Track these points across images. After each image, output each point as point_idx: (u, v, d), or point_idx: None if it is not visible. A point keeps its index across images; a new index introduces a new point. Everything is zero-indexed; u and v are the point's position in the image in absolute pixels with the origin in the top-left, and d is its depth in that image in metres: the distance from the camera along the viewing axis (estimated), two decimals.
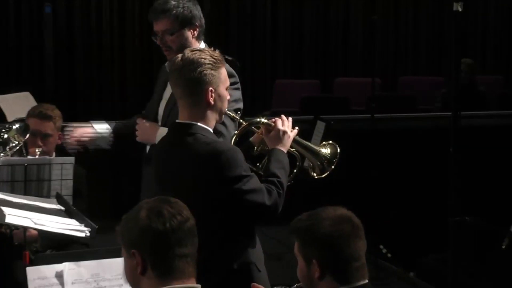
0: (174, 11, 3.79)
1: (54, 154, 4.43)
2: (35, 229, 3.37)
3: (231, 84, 3.56)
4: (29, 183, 3.93)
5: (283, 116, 3.35)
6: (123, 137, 4.13)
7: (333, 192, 5.39)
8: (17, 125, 3.98)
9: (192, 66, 3.13)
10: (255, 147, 3.43)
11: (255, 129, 3.43)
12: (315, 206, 2.69)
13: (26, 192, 3.86)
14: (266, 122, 3.35)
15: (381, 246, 6.38)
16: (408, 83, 10.59)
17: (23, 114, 4.81)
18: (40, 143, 4.36)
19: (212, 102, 3.16)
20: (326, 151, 3.47)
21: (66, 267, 3.07)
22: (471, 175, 5.94)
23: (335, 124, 5.79)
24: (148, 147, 3.97)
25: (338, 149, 3.46)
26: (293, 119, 3.37)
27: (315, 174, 3.48)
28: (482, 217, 5.39)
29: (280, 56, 10.89)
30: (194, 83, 3.13)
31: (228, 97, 3.26)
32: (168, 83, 3.56)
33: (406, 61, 11.35)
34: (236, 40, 10.61)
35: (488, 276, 5.76)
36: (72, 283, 3.05)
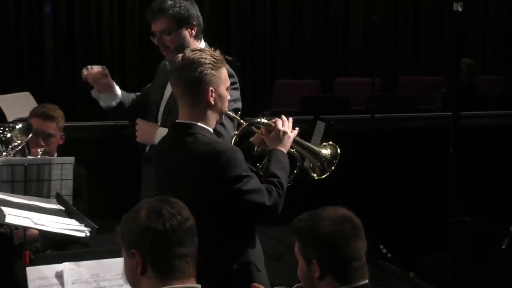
0: (171, 11, 3.79)
1: (56, 154, 4.44)
2: (35, 229, 3.37)
3: (231, 84, 3.56)
4: (29, 183, 3.93)
5: (283, 116, 3.35)
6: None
7: (333, 192, 5.39)
8: (20, 125, 3.99)
9: (192, 66, 3.13)
10: (255, 148, 3.42)
11: (255, 129, 3.43)
12: (315, 206, 2.69)
13: (26, 192, 3.86)
14: (266, 123, 3.34)
15: (381, 246, 6.38)
16: (408, 83, 10.59)
17: (23, 114, 4.81)
18: (42, 143, 4.36)
19: (213, 102, 3.16)
20: (326, 152, 3.47)
21: (66, 267, 3.07)
22: (471, 175, 5.94)
23: (335, 124, 5.80)
24: (148, 147, 3.97)
25: (339, 150, 3.46)
26: (293, 119, 3.37)
27: (315, 175, 3.48)
28: (482, 217, 5.40)
29: (280, 56, 10.89)
30: (195, 83, 3.13)
31: (228, 97, 3.26)
32: (168, 83, 3.56)
33: (406, 61, 11.35)
34: (236, 40, 10.61)
35: (488, 276, 5.76)
36: (72, 283, 3.05)
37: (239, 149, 3.19)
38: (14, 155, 4.02)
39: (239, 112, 3.61)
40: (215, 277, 3.05)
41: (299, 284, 2.71)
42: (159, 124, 3.88)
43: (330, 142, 3.51)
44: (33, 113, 4.50)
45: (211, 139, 3.15)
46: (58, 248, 4.15)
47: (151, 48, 9.92)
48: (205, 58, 3.14)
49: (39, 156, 4.17)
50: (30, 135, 3.99)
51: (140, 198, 3.68)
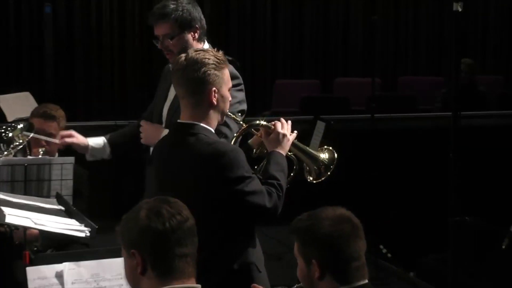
0: (173, 15, 3.76)
1: (57, 154, 4.44)
2: (35, 229, 3.37)
3: (235, 85, 3.56)
4: (29, 183, 3.93)
5: (282, 119, 3.35)
6: (118, 146, 4.13)
7: (333, 192, 5.39)
8: (21, 125, 3.99)
9: (196, 66, 3.13)
10: (254, 150, 3.42)
11: (254, 131, 3.43)
12: (315, 206, 2.69)
13: (26, 192, 3.86)
14: (265, 125, 3.34)
15: (381, 246, 6.38)
16: (408, 83, 10.59)
17: (23, 114, 4.81)
18: (43, 143, 4.37)
19: (215, 103, 3.16)
20: (324, 156, 3.47)
21: (66, 267, 3.07)
22: (471, 175, 5.93)
23: (335, 124, 5.80)
24: (151, 149, 3.96)
25: (336, 155, 3.46)
26: (293, 120, 3.37)
27: (311, 178, 3.48)
28: (482, 217, 5.40)
29: (280, 56, 10.89)
30: (198, 83, 3.13)
31: (230, 98, 3.26)
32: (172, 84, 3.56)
33: (406, 61, 11.35)
34: (236, 40, 10.61)
35: (488, 276, 5.76)
36: (72, 283, 3.05)
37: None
38: (15, 155, 4.02)
39: (244, 114, 3.61)
40: (215, 277, 3.05)
41: (299, 285, 2.71)
42: (163, 125, 3.87)
43: (328, 147, 3.51)
44: (35, 113, 4.51)
45: (213, 139, 3.16)
46: (58, 248, 4.15)
47: (151, 48, 9.91)
48: (209, 59, 3.14)
49: (40, 156, 4.17)
50: (31, 135, 3.99)
51: (143, 199, 3.67)
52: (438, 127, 7.03)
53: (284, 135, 3.31)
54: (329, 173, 3.45)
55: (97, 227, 3.22)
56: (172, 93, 3.81)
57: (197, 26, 3.82)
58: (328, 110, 7.67)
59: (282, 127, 3.32)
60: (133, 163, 4.44)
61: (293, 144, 3.37)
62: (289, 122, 3.36)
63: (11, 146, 3.89)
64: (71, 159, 4.04)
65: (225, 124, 3.42)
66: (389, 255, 6.39)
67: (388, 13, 11.17)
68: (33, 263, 3.11)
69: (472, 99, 8.61)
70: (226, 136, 3.44)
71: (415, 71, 11.21)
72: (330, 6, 11.03)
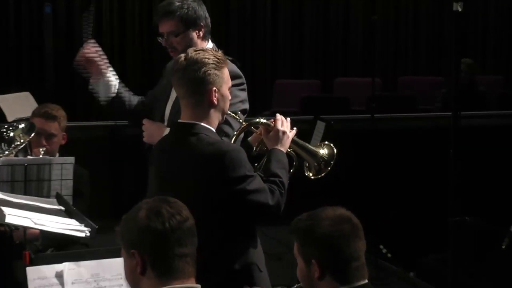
0: (179, 13, 3.76)
1: (57, 154, 4.44)
2: (35, 229, 3.37)
3: (238, 85, 3.56)
4: (29, 183, 3.93)
5: (281, 116, 3.35)
6: (121, 105, 4.03)
7: (333, 192, 5.40)
8: (23, 124, 3.99)
9: (196, 66, 3.13)
10: (254, 148, 3.43)
11: (254, 129, 3.43)
12: (315, 206, 2.69)
13: (26, 192, 3.86)
14: (265, 123, 3.35)
15: (381, 246, 6.38)
16: (408, 83, 10.59)
17: (23, 114, 4.82)
18: (44, 143, 4.37)
19: (215, 102, 3.16)
20: (324, 152, 3.47)
21: (66, 267, 3.07)
22: (471, 175, 5.93)
23: (335, 124, 5.81)
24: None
25: (335, 150, 3.46)
26: (293, 119, 3.37)
27: (311, 174, 3.48)
28: (482, 217, 5.39)
29: (280, 56, 10.89)
30: (198, 83, 3.13)
31: (230, 97, 3.26)
32: None
33: (406, 61, 11.35)
34: (236, 40, 10.61)
35: (488, 276, 5.76)
36: (72, 283, 3.05)
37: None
38: (16, 155, 4.02)
39: (246, 113, 3.61)
40: (216, 277, 3.05)
41: (299, 285, 2.71)
42: (165, 124, 3.86)
43: (327, 142, 3.51)
44: (36, 113, 4.51)
45: (214, 139, 3.16)
46: (58, 248, 4.15)
47: (151, 48, 9.98)
48: (208, 58, 3.14)
49: (40, 156, 4.17)
50: (33, 135, 4.00)
51: (146, 198, 3.66)
52: (438, 127, 7.03)
53: (284, 132, 3.31)
54: (329, 168, 3.45)
55: (97, 227, 3.22)
56: (174, 92, 3.81)
57: (202, 24, 3.82)
58: (328, 110, 7.67)
59: (282, 124, 3.32)
60: (133, 163, 4.43)
61: (292, 141, 3.37)
62: (288, 119, 3.36)
63: (12, 145, 3.90)
64: (71, 159, 4.04)
65: (227, 123, 3.43)
66: (389, 255, 6.39)
67: (388, 13, 11.17)
68: (33, 263, 3.11)
69: (472, 99, 8.62)
70: (227, 135, 3.44)
71: (415, 71, 11.21)
72: (330, 6, 11.03)
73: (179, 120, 3.24)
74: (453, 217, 4.59)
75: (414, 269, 6.27)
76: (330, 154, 3.46)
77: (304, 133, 3.60)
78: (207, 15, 3.86)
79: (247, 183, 3.08)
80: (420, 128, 7.72)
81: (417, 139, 7.35)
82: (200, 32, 3.82)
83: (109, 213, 6.20)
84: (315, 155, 3.46)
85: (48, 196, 3.84)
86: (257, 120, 3.37)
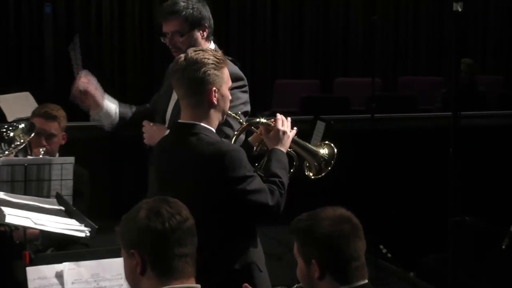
0: (184, 13, 3.77)
1: (57, 154, 4.44)
2: (35, 229, 3.37)
3: (240, 87, 3.56)
4: (29, 183, 3.93)
5: (282, 116, 3.35)
6: (126, 123, 4.04)
7: (333, 192, 5.40)
8: (23, 124, 3.99)
9: (195, 66, 3.13)
10: (254, 148, 3.43)
11: (254, 129, 3.43)
12: (315, 206, 2.69)
13: (26, 192, 3.86)
14: (265, 122, 3.35)
15: (381, 246, 6.38)
16: (408, 83, 10.59)
17: (23, 114, 4.82)
18: (44, 143, 4.37)
19: (215, 102, 3.16)
20: (324, 151, 3.46)
21: (66, 267, 3.07)
22: (471, 175, 5.93)
23: (335, 124, 5.81)
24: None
25: (335, 150, 3.46)
26: (293, 119, 3.37)
27: (311, 174, 3.48)
28: (482, 217, 5.39)
29: (280, 56, 10.89)
30: (198, 83, 3.13)
31: (230, 97, 3.26)
32: None
33: (406, 61, 11.35)
34: (236, 40, 10.61)
35: (488, 276, 5.76)
36: (72, 283, 3.05)
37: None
38: (16, 155, 4.02)
39: (248, 115, 3.61)
40: (216, 277, 3.06)
41: (299, 285, 2.71)
42: (166, 125, 3.86)
43: (327, 142, 3.51)
44: (36, 113, 4.52)
45: (214, 139, 3.16)
46: (58, 248, 4.15)
47: (151, 48, 9.97)
48: (208, 58, 3.14)
49: (40, 156, 4.17)
50: (33, 135, 4.00)
51: (146, 198, 3.65)
52: (438, 127, 7.03)
53: (284, 132, 3.31)
54: (329, 168, 3.45)
55: (97, 227, 3.22)
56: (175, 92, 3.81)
57: (206, 25, 3.82)
58: (328, 110, 7.67)
59: (282, 124, 3.32)
60: (133, 163, 4.43)
61: (293, 140, 3.37)
62: (289, 119, 3.36)
63: (12, 145, 3.90)
64: (71, 159, 4.04)
65: (228, 125, 3.43)
66: (389, 255, 6.39)
67: (388, 13, 11.17)
68: (33, 263, 3.11)
69: (472, 99, 8.62)
70: (227, 137, 3.44)
71: (415, 71, 11.21)
72: (330, 6, 11.03)
73: (179, 120, 3.24)
74: (453, 217, 4.59)
75: (414, 269, 6.27)
76: (331, 154, 3.46)
77: (304, 133, 3.60)
78: (210, 15, 3.87)
79: (247, 183, 3.08)
80: (420, 128, 7.72)
81: (417, 139, 7.35)
82: (204, 33, 3.82)
83: (109, 213, 6.19)
84: (315, 154, 3.46)
85: (48, 196, 3.84)
86: (258, 120, 3.37)
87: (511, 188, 7.02)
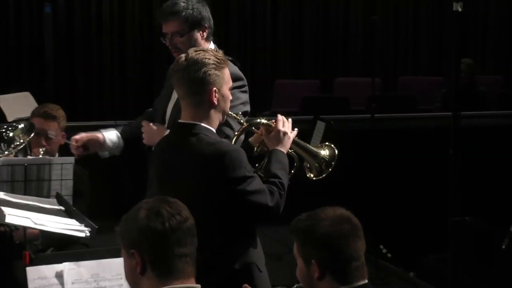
0: (184, 13, 3.77)
1: (57, 154, 4.45)
2: (35, 229, 3.37)
3: (240, 87, 3.56)
4: (29, 183, 3.93)
5: (283, 116, 3.35)
6: (130, 140, 4.07)
7: (333, 192, 5.39)
8: (22, 124, 3.99)
9: (196, 66, 3.13)
10: (255, 148, 3.43)
11: (255, 129, 3.43)
12: (315, 206, 2.69)
13: (26, 192, 3.86)
14: (266, 123, 3.35)
15: (381, 246, 6.38)
16: (408, 83, 10.59)
17: (23, 114, 4.82)
18: (44, 143, 4.37)
19: (216, 102, 3.16)
20: (325, 153, 3.46)
21: (66, 267, 3.07)
22: (471, 175, 5.93)
23: (335, 124, 5.81)
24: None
25: (336, 151, 3.46)
26: (293, 119, 3.37)
27: (312, 175, 3.48)
28: (482, 217, 5.40)
29: (280, 56, 10.89)
30: (198, 83, 3.13)
31: (231, 97, 3.26)
32: None
33: (406, 61, 11.35)
34: (236, 40, 10.61)
35: (488, 276, 5.76)
36: (72, 283, 3.05)
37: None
38: (16, 155, 4.02)
39: (247, 115, 3.61)
40: (216, 278, 3.06)
41: (299, 285, 2.71)
42: (166, 125, 3.86)
43: (328, 143, 3.50)
44: (35, 113, 4.52)
45: (214, 139, 3.16)
46: (58, 248, 4.16)
47: (151, 48, 9.96)
48: (209, 59, 3.14)
49: (40, 156, 4.17)
50: (32, 135, 4.00)
51: (146, 198, 3.66)
52: (438, 127, 7.04)
53: (285, 133, 3.31)
54: (330, 169, 3.44)
55: (97, 227, 3.22)
56: (175, 93, 3.81)
57: (206, 25, 3.83)
58: (328, 110, 7.67)
59: (283, 125, 3.32)
60: (133, 163, 4.43)
61: (293, 141, 3.37)
62: (290, 119, 3.36)
63: (12, 145, 3.90)
64: (71, 159, 4.04)
65: (228, 125, 3.43)
66: (389, 255, 6.39)
67: (388, 13, 11.18)
68: (33, 263, 3.11)
69: (472, 99, 8.62)
70: (227, 137, 3.44)
71: (415, 71, 11.22)
72: (330, 6, 11.03)
73: (179, 120, 3.24)
74: (453, 217, 4.59)
75: (414, 269, 6.27)
76: (331, 155, 3.46)
77: (304, 133, 3.60)
78: (210, 16, 3.87)
79: (247, 183, 3.08)
80: (420, 128, 7.71)
81: (417, 139, 7.35)
82: (204, 33, 3.82)
83: (109, 213, 6.17)
84: (316, 156, 3.46)
85: (48, 196, 3.84)
86: (258, 120, 3.37)
87: (511, 188, 7.02)
